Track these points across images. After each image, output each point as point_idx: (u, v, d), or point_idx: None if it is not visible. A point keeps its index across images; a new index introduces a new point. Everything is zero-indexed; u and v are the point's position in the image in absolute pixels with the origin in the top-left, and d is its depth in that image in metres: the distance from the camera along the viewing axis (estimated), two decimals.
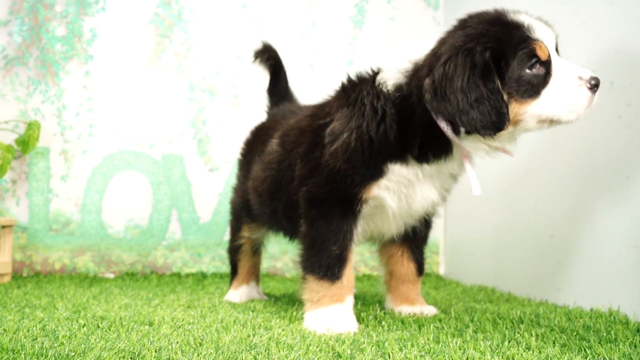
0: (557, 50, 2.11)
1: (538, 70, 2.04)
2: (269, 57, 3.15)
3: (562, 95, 2.04)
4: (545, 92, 2.04)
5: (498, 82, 2.00)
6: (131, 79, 4.12)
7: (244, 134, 3.15)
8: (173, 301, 2.81)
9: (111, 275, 3.97)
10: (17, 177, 3.99)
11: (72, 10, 4.08)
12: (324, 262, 2.24)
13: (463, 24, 2.13)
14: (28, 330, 2.00)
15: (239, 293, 2.99)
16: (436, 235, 4.25)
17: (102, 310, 2.45)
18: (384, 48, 4.29)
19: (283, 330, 2.08)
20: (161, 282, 3.65)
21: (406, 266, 2.55)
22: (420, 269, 2.58)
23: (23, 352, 1.69)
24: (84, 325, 2.12)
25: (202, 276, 4.02)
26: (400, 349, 1.77)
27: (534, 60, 2.03)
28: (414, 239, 2.54)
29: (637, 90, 2.57)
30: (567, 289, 2.80)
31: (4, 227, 3.66)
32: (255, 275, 3.06)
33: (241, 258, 3.04)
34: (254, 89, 4.19)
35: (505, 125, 2.00)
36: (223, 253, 4.05)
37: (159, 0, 4.15)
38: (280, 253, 4.14)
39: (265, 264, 3.90)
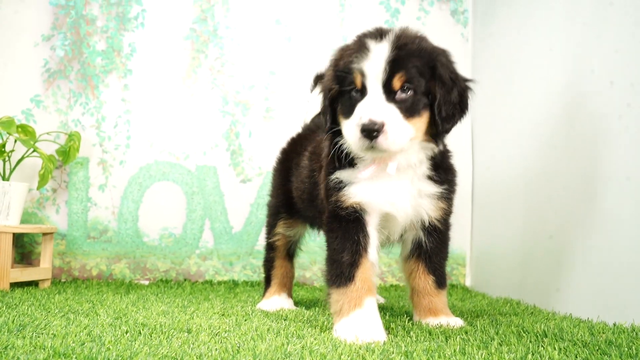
0: (391, 78, 2.22)
1: (355, 95, 2.27)
2: None
3: (350, 126, 2.24)
4: (351, 117, 2.26)
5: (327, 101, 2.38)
6: (168, 93, 4.27)
7: (276, 146, 3.33)
8: (208, 309, 2.93)
9: (146, 282, 4.11)
10: (58, 186, 4.15)
11: (112, 26, 4.24)
12: (338, 270, 2.35)
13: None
14: (75, 335, 2.12)
15: (270, 302, 3.09)
16: (463, 247, 4.32)
17: (142, 317, 2.57)
18: None
19: (315, 339, 2.18)
20: (194, 290, 3.77)
21: (424, 280, 2.60)
22: (439, 282, 2.62)
23: (74, 355, 1.81)
24: (127, 331, 2.24)
25: (233, 284, 4.14)
26: None
27: (352, 86, 2.27)
28: (428, 253, 2.59)
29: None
30: (591, 303, 2.86)
31: (44, 234, 3.82)
32: (287, 287, 3.17)
33: (276, 257, 3.16)
34: (286, 103, 4.31)
35: (325, 127, 2.42)
36: (254, 262, 4.17)
37: (195, 17, 4.30)
38: (310, 263, 4.25)
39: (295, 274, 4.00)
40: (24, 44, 4.18)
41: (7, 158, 3.80)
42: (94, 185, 4.18)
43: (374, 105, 2.20)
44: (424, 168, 2.42)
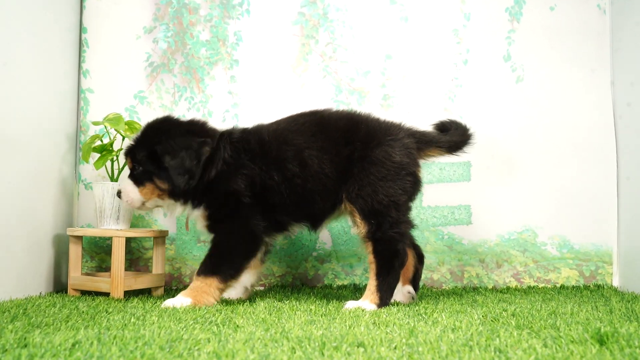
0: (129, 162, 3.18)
1: None
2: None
3: None
4: None
5: None
6: (277, 83, 3.96)
7: None
8: (354, 317, 2.58)
9: (261, 288, 3.81)
10: None
11: (216, 14, 3.96)
12: None
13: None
14: (240, 353, 1.80)
15: None
16: (608, 243, 3.87)
17: (295, 328, 2.24)
18: (543, 41, 3.96)
19: (510, 347, 1.81)
20: (318, 295, 3.45)
21: None
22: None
23: None
24: (293, 348, 1.91)
25: (354, 288, 3.80)
26: None
27: None
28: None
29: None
30: None
31: (156, 238, 3.55)
32: (407, 277, 3.29)
33: None
34: (405, 89, 3.95)
35: None
36: None
37: (303, 0, 3.98)
38: (437, 264, 3.86)
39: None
40: (125, 38, 3.93)
41: (114, 158, 3.55)
42: None
43: (121, 179, 3.44)
44: (188, 207, 3.16)
